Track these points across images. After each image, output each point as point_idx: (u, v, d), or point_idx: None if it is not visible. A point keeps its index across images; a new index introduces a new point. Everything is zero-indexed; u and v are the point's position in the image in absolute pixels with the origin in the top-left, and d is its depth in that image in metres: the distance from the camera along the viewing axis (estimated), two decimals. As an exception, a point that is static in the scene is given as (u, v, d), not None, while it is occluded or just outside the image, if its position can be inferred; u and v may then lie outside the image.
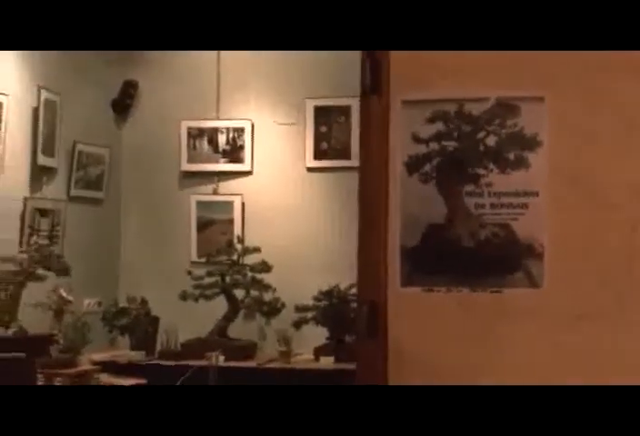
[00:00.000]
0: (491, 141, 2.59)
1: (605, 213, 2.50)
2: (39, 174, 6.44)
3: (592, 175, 2.51)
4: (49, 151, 6.49)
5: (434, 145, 2.62)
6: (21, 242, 6.12)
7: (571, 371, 2.51)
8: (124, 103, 7.40)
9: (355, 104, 6.77)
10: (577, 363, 2.52)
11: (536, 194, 2.56)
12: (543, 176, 2.55)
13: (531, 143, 2.56)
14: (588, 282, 2.53)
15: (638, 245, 2.48)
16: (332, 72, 6.77)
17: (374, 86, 2.71)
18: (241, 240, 6.75)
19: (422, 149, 2.63)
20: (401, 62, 2.62)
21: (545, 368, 2.54)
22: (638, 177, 2.48)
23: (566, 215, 2.53)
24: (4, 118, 5.96)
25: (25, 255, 5.60)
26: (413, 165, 2.64)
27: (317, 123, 7.02)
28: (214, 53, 7.05)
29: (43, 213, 6.42)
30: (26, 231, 6.22)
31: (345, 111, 6.92)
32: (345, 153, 6.94)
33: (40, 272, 5.55)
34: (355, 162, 6.57)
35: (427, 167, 2.63)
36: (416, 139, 2.63)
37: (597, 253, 2.51)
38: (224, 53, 7.04)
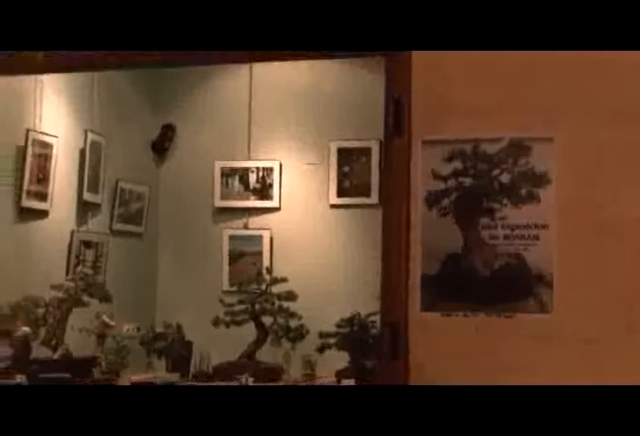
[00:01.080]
0: (505, 178, 2.59)
1: (612, 243, 2.51)
2: (85, 210, 6.46)
3: (598, 209, 2.52)
4: (94, 188, 6.51)
5: (452, 182, 2.63)
6: (67, 272, 6.12)
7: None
8: (162, 144, 7.41)
9: (374, 147, 6.81)
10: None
11: (546, 227, 2.56)
12: (552, 210, 2.55)
13: (541, 180, 2.57)
14: (596, 308, 2.53)
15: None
16: (354, 117, 6.77)
17: (396, 127, 2.72)
18: (269, 271, 6.73)
19: (441, 185, 2.65)
20: (422, 105, 2.64)
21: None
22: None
23: (574, 246, 2.54)
24: (54, 158, 6.00)
25: (71, 283, 5.61)
26: (432, 200, 2.65)
27: (340, 164, 7.01)
28: (246, 98, 7.08)
29: (88, 244, 6.43)
30: (73, 261, 6.23)
31: (366, 152, 6.92)
32: (365, 191, 6.93)
33: (85, 299, 5.57)
34: (374, 199, 6.74)
35: (446, 202, 2.64)
36: (436, 176, 2.65)
37: (604, 282, 2.51)
38: (255, 98, 7.07)
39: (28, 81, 5.66)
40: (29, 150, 5.72)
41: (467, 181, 2.62)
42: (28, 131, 5.73)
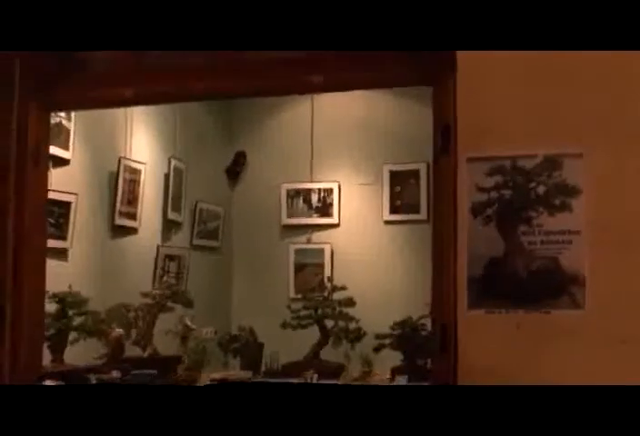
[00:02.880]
0: (540, 190, 2.59)
1: (636, 249, 2.49)
2: (169, 227, 6.53)
3: (624, 216, 2.50)
4: (177, 208, 6.57)
5: (493, 194, 2.64)
6: (154, 281, 6.18)
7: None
8: (235, 170, 7.47)
9: (422, 169, 6.81)
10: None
11: (578, 233, 2.56)
12: (583, 218, 2.55)
13: (573, 192, 2.56)
14: (624, 306, 2.51)
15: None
16: (404, 143, 6.79)
17: (444, 147, 2.73)
18: (330, 280, 6.72)
19: (484, 197, 2.65)
20: (465, 127, 2.64)
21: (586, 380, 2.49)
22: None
23: (603, 250, 2.52)
24: (142, 182, 6.06)
25: (158, 291, 5.67)
26: (476, 210, 2.65)
27: (392, 184, 7.02)
28: (308, 127, 7.11)
29: (171, 258, 6.49)
30: (158, 272, 6.28)
31: (415, 174, 6.92)
32: (415, 209, 6.92)
33: (170, 305, 5.62)
34: (423, 215, 6.74)
35: (488, 212, 2.64)
36: (479, 189, 2.65)
37: (632, 282, 2.49)
38: (316, 129, 7.10)
39: (120, 113, 5.76)
40: (121, 175, 5.80)
41: (507, 193, 2.62)
42: (120, 158, 5.80)
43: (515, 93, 2.63)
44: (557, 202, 2.57)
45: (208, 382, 5.71)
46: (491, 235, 2.64)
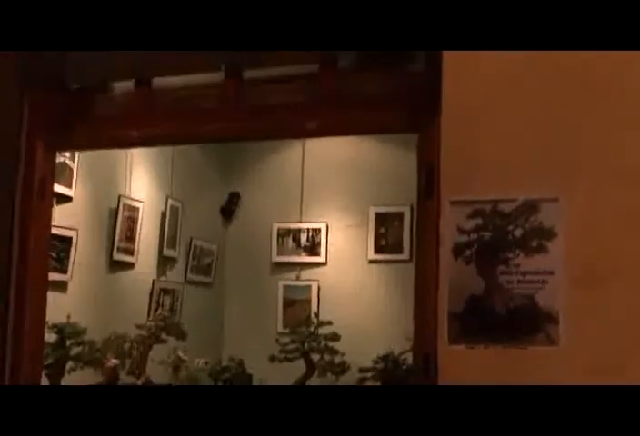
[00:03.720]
0: (518, 232, 2.60)
1: (609, 287, 2.49)
2: (164, 263, 6.53)
3: (597, 259, 2.51)
4: (172, 245, 6.58)
5: (474, 235, 2.64)
6: (149, 314, 6.17)
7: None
8: (229, 209, 7.49)
9: (406, 212, 6.85)
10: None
11: (553, 273, 2.55)
12: (558, 259, 2.55)
13: (549, 234, 2.56)
14: (595, 340, 2.51)
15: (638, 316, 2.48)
16: (389, 187, 6.83)
17: (428, 191, 2.76)
18: (317, 315, 6.73)
19: (465, 238, 2.65)
20: (449, 172, 2.66)
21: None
22: (637, 259, 2.48)
23: (577, 289, 2.53)
24: (140, 219, 6.08)
25: (152, 323, 5.66)
26: (458, 250, 2.65)
27: (377, 225, 7.05)
28: (299, 170, 7.14)
29: (166, 291, 6.49)
30: (153, 305, 6.28)
31: (399, 216, 6.95)
32: (398, 249, 6.94)
33: (163, 336, 5.61)
34: (406, 255, 6.76)
35: (469, 252, 2.64)
36: (461, 230, 2.65)
37: (602, 319, 2.50)
38: (306, 172, 7.14)
39: (121, 153, 5.79)
40: (120, 212, 5.82)
41: (487, 234, 2.63)
42: (120, 196, 5.82)
43: (495, 140, 2.65)
44: (534, 243, 2.58)
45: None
46: (471, 274, 2.64)
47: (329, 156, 7.05)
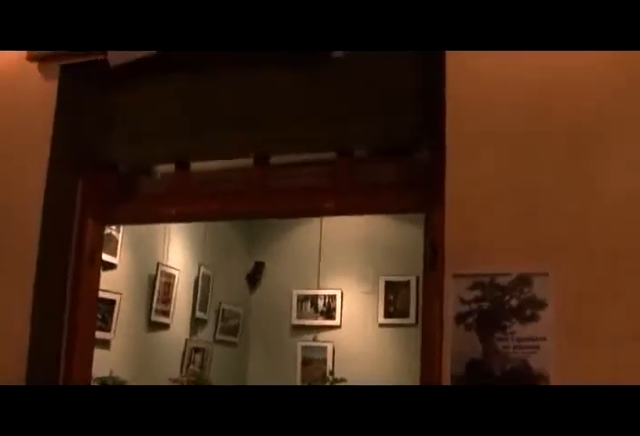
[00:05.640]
0: (513, 303, 2.59)
1: (594, 352, 2.48)
2: (196, 324, 6.52)
3: (582, 325, 2.50)
4: (203, 308, 6.58)
5: (474, 305, 2.63)
6: (181, 369, 6.14)
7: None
8: (254, 277, 7.50)
9: (413, 281, 6.84)
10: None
11: (544, 339, 2.54)
12: (549, 327, 2.54)
13: (541, 304, 2.56)
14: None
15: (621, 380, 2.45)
16: (398, 258, 6.84)
17: (433, 264, 2.76)
18: (332, 373, 6.70)
19: (466, 308, 2.64)
20: (452, 248, 2.67)
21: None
22: (619, 325, 2.46)
23: (567, 354, 2.51)
24: (175, 285, 6.09)
25: (185, 378, 5.63)
26: (459, 319, 2.64)
27: (387, 293, 7.04)
28: (317, 242, 7.17)
29: (197, 350, 6.46)
30: (186, 361, 6.25)
31: (406, 285, 6.94)
32: (406, 314, 6.92)
33: (194, 391, 5.56)
34: (412, 320, 6.72)
35: (470, 320, 2.63)
36: (462, 301, 2.64)
37: (591, 379, 2.45)
38: (323, 244, 7.16)
39: (160, 226, 5.85)
40: (158, 278, 5.83)
41: (486, 304, 2.62)
42: (158, 264, 5.85)
43: (492, 222, 2.66)
44: (528, 313, 2.57)
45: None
46: (471, 340, 2.63)
47: (344, 230, 7.08)
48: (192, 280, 6.44)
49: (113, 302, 5.25)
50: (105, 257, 4.89)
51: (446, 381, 2.65)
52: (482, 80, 2.75)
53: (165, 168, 3.41)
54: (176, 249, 6.19)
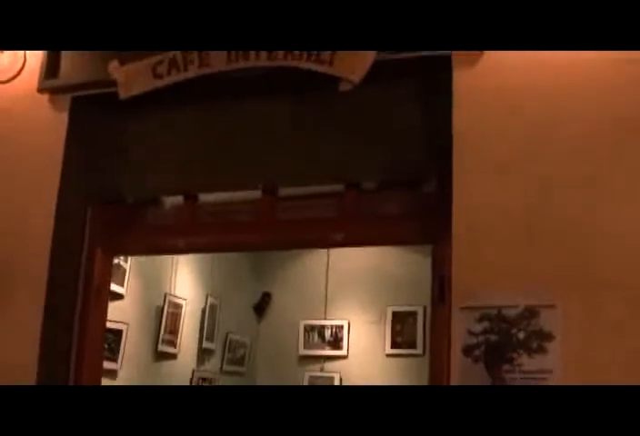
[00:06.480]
0: (521, 335, 2.59)
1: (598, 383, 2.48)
2: (203, 354, 6.48)
3: (589, 358, 2.50)
4: (210, 338, 6.55)
5: (482, 337, 2.63)
6: (188, 401, 6.11)
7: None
8: (262, 307, 7.47)
9: (420, 311, 6.81)
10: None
11: (551, 371, 2.54)
12: (556, 359, 2.54)
13: (547, 337, 2.56)
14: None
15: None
16: (405, 288, 6.82)
17: (441, 297, 2.77)
18: (339, 404, 6.65)
19: (474, 340, 2.64)
20: (460, 280, 2.68)
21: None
22: (630, 361, 2.46)
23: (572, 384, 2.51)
24: (182, 315, 6.08)
25: (191, 409, 5.59)
26: (467, 351, 2.64)
27: (394, 323, 6.99)
28: (324, 273, 7.16)
29: (204, 380, 6.41)
30: (192, 393, 6.22)
31: (413, 315, 6.91)
32: (412, 345, 6.87)
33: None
34: (419, 350, 6.69)
35: (477, 352, 2.63)
36: (470, 333, 2.65)
37: None
38: (330, 274, 7.16)
39: (168, 257, 5.84)
40: (165, 309, 5.83)
41: (493, 337, 2.63)
42: (166, 294, 5.85)
43: (499, 254, 2.68)
44: (534, 345, 2.57)
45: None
46: (479, 372, 2.62)
47: (351, 260, 7.07)
48: (199, 310, 6.43)
49: (120, 333, 5.24)
50: (113, 287, 4.87)
51: (454, 413, 2.64)
52: (488, 112, 2.78)
53: (174, 200, 3.43)
54: (184, 279, 6.19)
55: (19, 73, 3.56)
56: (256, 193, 3.24)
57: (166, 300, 5.84)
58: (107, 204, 3.47)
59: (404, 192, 3.01)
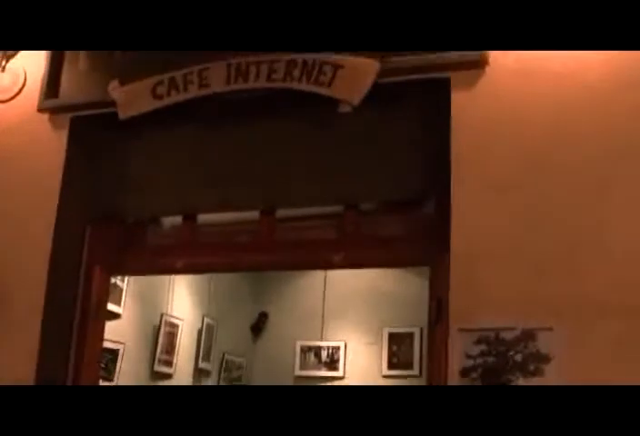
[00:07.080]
0: (518, 357, 2.59)
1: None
2: (199, 374, 6.46)
3: (586, 380, 2.49)
4: (207, 358, 6.53)
5: (479, 360, 2.62)
6: (184, 422, 6.07)
7: None
8: (258, 327, 7.46)
9: (416, 332, 6.80)
10: None
11: None
12: (553, 382, 2.53)
13: (544, 359, 2.56)
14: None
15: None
16: (401, 310, 6.81)
17: (438, 319, 2.77)
18: (335, 425, 6.61)
19: (471, 362, 2.63)
20: (457, 302, 2.68)
21: None
22: (628, 383, 2.41)
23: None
24: (179, 335, 6.07)
25: (186, 430, 5.56)
26: (464, 373, 2.64)
27: (390, 344, 6.99)
28: (320, 294, 7.16)
29: (200, 401, 6.41)
30: (188, 413, 6.19)
31: (410, 336, 6.90)
32: (409, 365, 6.86)
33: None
34: (416, 371, 6.67)
35: (475, 374, 2.63)
36: (467, 355, 2.64)
37: None
38: (327, 295, 7.16)
39: (165, 277, 5.83)
40: (162, 329, 5.82)
41: (490, 359, 2.62)
42: (162, 314, 5.84)
43: (497, 277, 2.68)
44: (532, 367, 2.57)
45: None
46: (477, 394, 2.61)
47: (348, 281, 7.07)
48: (196, 330, 6.41)
49: (116, 352, 5.23)
50: (110, 306, 4.86)
51: (451, 435, 2.63)
52: (486, 135, 2.80)
53: (173, 220, 3.43)
54: (181, 299, 6.18)
55: (19, 92, 3.58)
56: (255, 214, 3.24)
57: (163, 320, 5.83)
58: (106, 223, 3.47)
59: (402, 213, 3.02)
